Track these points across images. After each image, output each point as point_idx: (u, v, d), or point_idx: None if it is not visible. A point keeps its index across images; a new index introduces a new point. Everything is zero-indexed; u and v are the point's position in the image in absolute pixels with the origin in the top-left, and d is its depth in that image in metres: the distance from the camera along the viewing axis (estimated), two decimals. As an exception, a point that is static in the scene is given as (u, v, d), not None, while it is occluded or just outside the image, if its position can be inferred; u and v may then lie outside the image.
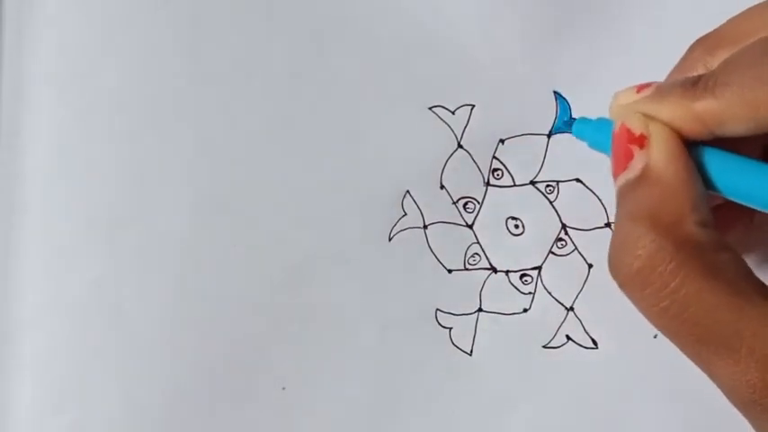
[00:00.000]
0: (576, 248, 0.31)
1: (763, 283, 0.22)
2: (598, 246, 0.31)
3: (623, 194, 0.23)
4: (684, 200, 0.22)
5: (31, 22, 0.31)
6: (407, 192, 0.31)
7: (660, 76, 0.31)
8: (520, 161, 0.31)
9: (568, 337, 0.30)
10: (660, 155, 0.23)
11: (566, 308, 0.31)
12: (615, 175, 0.24)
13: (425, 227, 0.31)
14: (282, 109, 0.31)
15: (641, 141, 0.23)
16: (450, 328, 0.31)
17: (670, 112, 0.23)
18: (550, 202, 0.31)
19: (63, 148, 0.31)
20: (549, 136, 0.31)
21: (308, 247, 0.31)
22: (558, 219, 0.31)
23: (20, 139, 0.31)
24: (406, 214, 0.31)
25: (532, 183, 0.31)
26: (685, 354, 0.22)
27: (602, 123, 0.26)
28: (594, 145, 0.26)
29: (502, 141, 0.31)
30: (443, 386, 0.30)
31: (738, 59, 0.22)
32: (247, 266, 0.30)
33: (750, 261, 0.29)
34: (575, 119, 0.28)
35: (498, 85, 0.31)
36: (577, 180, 0.31)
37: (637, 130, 0.24)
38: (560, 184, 0.31)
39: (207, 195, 0.31)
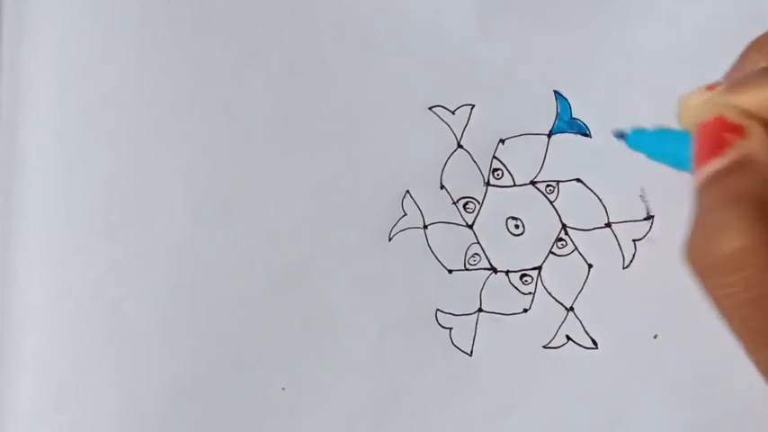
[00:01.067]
0: (575, 248, 0.31)
1: None
2: (598, 246, 0.31)
3: (716, 180, 0.22)
4: None
5: (31, 22, 0.31)
6: (407, 192, 0.31)
7: (660, 75, 0.31)
8: (520, 161, 0.31)
9: (568, 337, 0.30)
10: (761, 144, 0.22)
11: (566, 308, 0.31)
12: (703, 163, 0.23)
13: (425, 227, 0.31)
14: (282, 109, 0.31)
15: (740, 130, 0.23)
16: (451, 329, 0.31)
17: (755, 100, 0.23)
18: (550, 202, 0.31)
19: (63, 148, 0.31)
20: (549, 136, 0.31)
21: (308, 247, 0.31)
22: (558, 219, 0.31)
23: (20, 139, 0.31)
24: (406, 214, 0.31)
25: (532, 183, 0.31)
26: (752, 354, 0.21)
27: (664, 133, 0.25)
28: (656, 155, 0.25)
29: (502, 141, 0.31)
30: (443, 386, 0.30)
31: None
32: (247, 266, 0.30)
33: None
34: (627, 131, 0.27)
35: (498, 85, 0.31)
36: (577, 180, 0.31)
37: (735, 120, 0.23)
38: (560, 184, 0.31)
39: (207, 195, 0.31)
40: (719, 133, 0.23)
